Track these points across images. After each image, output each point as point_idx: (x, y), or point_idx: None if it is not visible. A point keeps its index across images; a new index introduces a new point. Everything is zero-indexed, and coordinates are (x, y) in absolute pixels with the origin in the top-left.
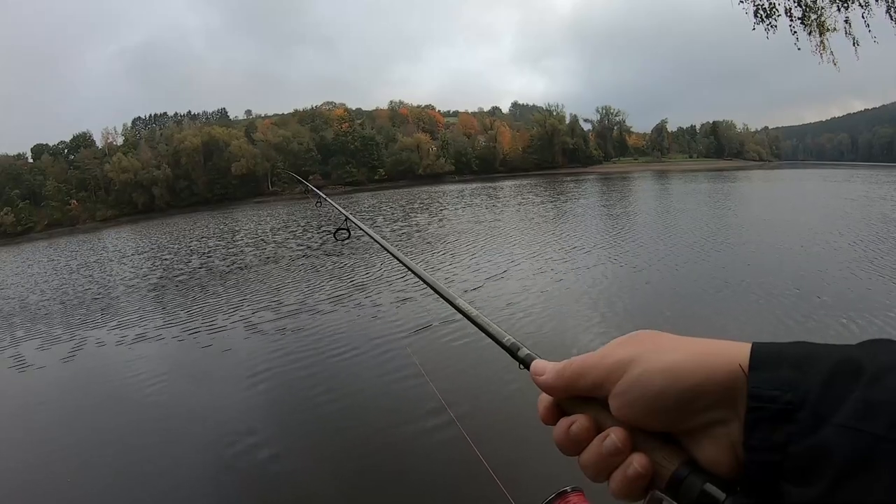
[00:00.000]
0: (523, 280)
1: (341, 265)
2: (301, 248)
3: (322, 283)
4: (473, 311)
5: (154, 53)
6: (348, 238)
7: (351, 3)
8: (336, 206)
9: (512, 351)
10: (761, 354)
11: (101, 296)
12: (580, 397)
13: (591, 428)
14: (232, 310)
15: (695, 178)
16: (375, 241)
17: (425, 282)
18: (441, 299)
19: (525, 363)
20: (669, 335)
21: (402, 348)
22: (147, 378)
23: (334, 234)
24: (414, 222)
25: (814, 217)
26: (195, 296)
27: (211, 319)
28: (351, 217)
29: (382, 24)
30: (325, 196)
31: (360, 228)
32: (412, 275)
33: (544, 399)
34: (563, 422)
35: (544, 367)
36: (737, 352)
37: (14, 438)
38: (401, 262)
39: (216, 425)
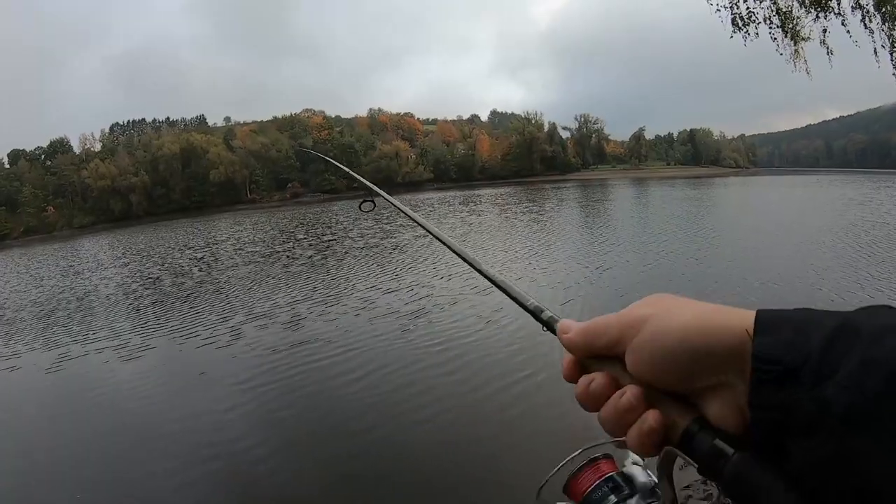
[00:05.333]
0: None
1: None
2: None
3: (326, 281)
4: (498, 276)
5: (135, 61)
6: (374, 209)
7: (333, 14)
8: (359, 177)
9: (535, 313)
10: (765, 319)
11: (99, 305)
12: (600, 356)
13: (609, 385)
14: (232, 319)
15: (674, 185)
16: (401, 210)
17: (452, 249)
18: (469, 267)
19: (548, 325)
20: (683, 298)
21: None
22: (142, 388)
23: (360, 205)
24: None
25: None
26: (187, 307)
27: (208, 329)
28: (377, 189)
29: (363, 34)
30: (351, 172)
31: (386, 199)
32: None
33: (568, 357)
34: (584, 379)
35: (570, 325)
36: (744, 317)
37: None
38: (427, 229)
39: (212, 433)
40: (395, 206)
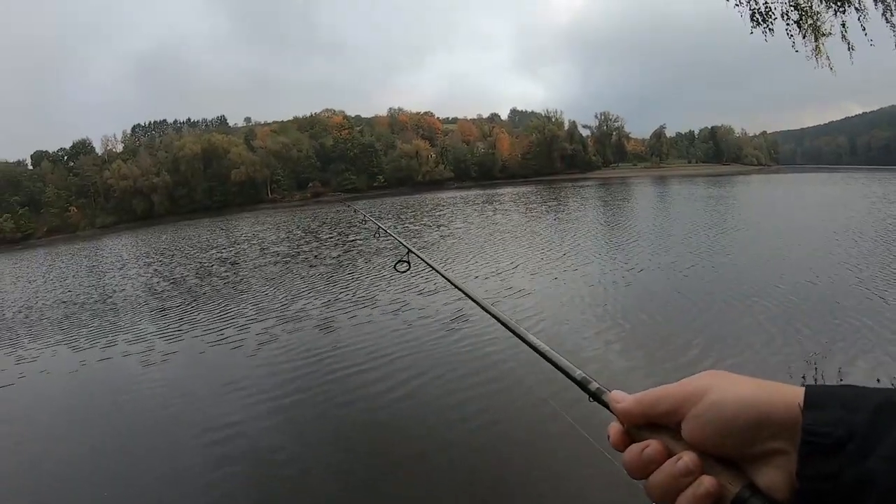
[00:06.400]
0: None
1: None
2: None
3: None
4: (543, 346)
5: (156, 63)
6: (408, 269)
7: (352, 13)
8: (397, 237)
9: (583, 385)
10: (814, 395)
11: (125, 306)
12: (651, 425)
13: (664, 452)
14: (260, 321)
15: (697, 183)
16: (438, 272)
17: (492, 315)
18: (511, 334)
19: (596, 396)
20: (739, 375)
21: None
22: (168, 393)
23: (395, 265)
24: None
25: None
26: (213, 309)
27: (236, 332)
28: (412, 249)
29: (383, 32)
30: (384, 228)
31: (422, 260)
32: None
33: (616, 427)
34: (636, 447)
35: (623, 395)
36: (795, 392)
37: (24, 445)
38: (467, 295)
39: (239, 438)
40: (431, 266)
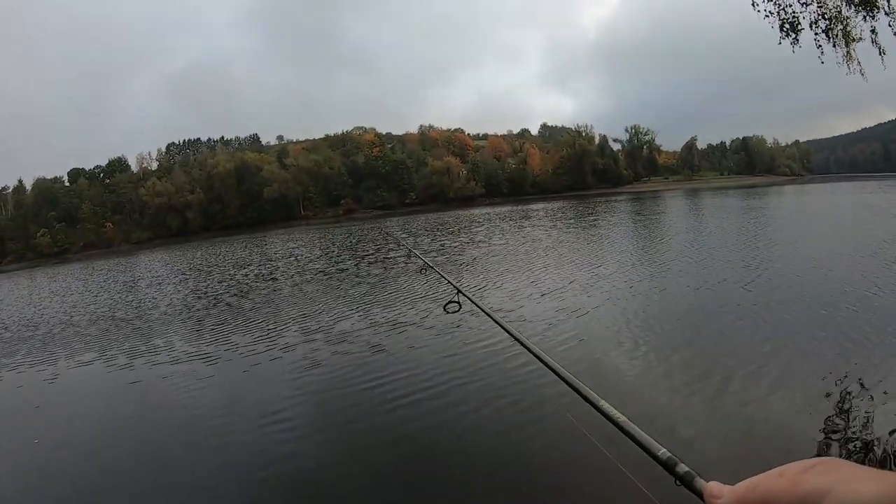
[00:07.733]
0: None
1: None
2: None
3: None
4: (620, 417)
5: (191, 81)
6: (459, 310)
7: (384, 30)
8: (447, 277)
9: (669, 466)
10: None
11: (158, 321)
12: None
13: None
14: (302, 344)
15: (732, 195)
16: (492, 318)
17: (562, 377)
18: (580, 397)
19: (684, 481)
20: (859, 466)
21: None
22: (205, 409)
23: (444, 307)
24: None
25: None
26: (253, 325)
27: (270, 351)
28: (464, 292)
29: (413, 50)
30: (430, 263)
31: (475, 305)
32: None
33: None
34: None
35: (721, 489)
36: None
37: (59, 464)
38: (523, 344)
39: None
40: (485, 312)
